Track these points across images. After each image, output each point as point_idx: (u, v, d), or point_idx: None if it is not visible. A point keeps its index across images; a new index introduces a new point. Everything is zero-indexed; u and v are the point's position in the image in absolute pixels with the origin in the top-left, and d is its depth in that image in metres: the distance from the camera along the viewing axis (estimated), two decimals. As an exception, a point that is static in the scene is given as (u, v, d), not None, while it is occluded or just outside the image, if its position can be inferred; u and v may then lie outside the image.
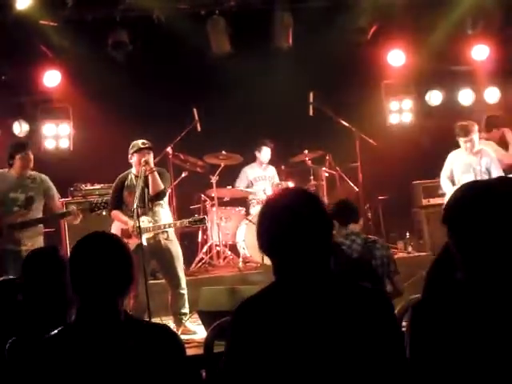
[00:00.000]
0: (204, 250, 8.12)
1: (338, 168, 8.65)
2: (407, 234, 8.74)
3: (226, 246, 8.18)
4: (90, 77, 8.00)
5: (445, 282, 2.07)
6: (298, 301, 2.05)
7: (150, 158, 6.20)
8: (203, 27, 8.06)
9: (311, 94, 8.29)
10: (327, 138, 8.57)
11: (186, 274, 6.55)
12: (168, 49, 8.20)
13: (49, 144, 8.60)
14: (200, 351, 4.57)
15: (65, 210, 6.71)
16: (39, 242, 6.28)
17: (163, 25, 7.93)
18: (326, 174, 8.64)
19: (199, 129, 8.21)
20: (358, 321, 2.03)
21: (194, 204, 8.53)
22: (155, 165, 6.31)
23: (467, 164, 7.18)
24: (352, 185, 8.50)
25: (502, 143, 7.74)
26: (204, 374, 3.66)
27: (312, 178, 8.64)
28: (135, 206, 5.81)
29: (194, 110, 8.20)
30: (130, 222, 6.02)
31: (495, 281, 1.98)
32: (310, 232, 2.08)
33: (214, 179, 8.17)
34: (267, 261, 8.34)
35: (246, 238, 7.97)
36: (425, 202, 8.54)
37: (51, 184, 6.48)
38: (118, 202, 6.27)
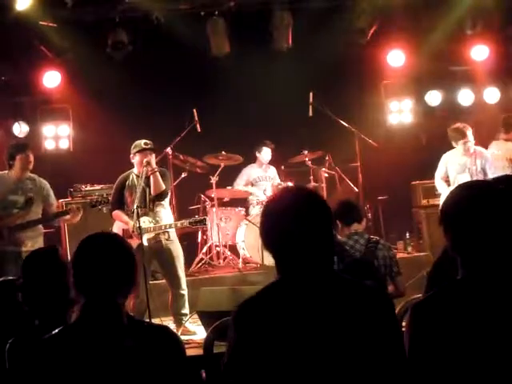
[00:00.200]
0: (204, 250, 8.12)
1: (337, 168, 8.64)
2: (407, 234, 8.74)
3: (225, 246, 8.18)
4: (89, 77, 8.00)
5: (444, 283, 2.07)
6: (299, 299, 2.06)
7: (152, 158, 6.19)
8: (203, 28, 8.06)
9: (311, 94, 8.30)
10: (327, 139, 8.56)
11: (186, 275, 6.55)
12: (168, 49, 8.20)
13: (49, 145, 8.60)
14: (200, 352, 4.59)
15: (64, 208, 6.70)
16: (39, 242, 6.28)
17: (163, 25, 7.93)
18: (326, 175, 8.63)
19: (199, 129, 8.22)
20: (359, 319, 2.03)
21: (194, 204, 8.52)
22: (156, 165, 6.31)
23: (462, 164, 7.25)
24: (352, 185, 8.50)
25: None
26: (204, 374, 3.67)
27: (312, 178, 8.64)
28: (135, 207, 5.82)
29: (194, 111, 8.20)
30: (131, 223, 6.01)
31: (494, 280, 1.98)
32: (313, 230, 2.08)
33: (213, 180, 8.17)
34: (267, 261, 8.35)
35: (246, 239, 7.96)
36: (424, 202, 8.55)
37: (50, 191, 6.46)
38: (120, 202, 6.26)
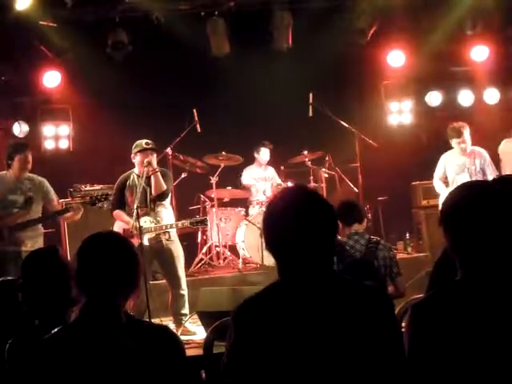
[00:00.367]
0: (204, 250, 8.12)
1: (337, 169, 8.65)
2: (407, 234, 8.75)
3: (225, 246, 8.18)
4: (89, 77, 8.00)
5: (444, 283, 2.07)
6: (299, 299, 2.06)
7: (153, 158, 6.18)
8: (203, 28, 8.06)
9: (311, 95, 8.30)
10: (327, 139, 8.56)
11: (186, 275, 6.55)
12: (168, 49, 8.20)
13: (48, 145, 8.61)
14: (200, 352, 4.58)
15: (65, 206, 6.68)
16: (39, 242, 6.27)
17: (163, 25, 7.93)
18: (326, 175, 8.64)
19: (199, 129, 8.22)
20: (359, 320, 2.03)
21: (194, 205, 8.52)
22: (157, 165, 6.30)
23: (461, 165, 7.25)
24: (352, 185, 8.50)
25: None
26: (204, 374, 3.66)
27: (311, 178, 8.64)
28: (135, 207, 5.81)
29: (194, 111, 8.20)
30: (132, 222, 6.01)
31: (493, 280, 1.98)
32: (314, 230, 2.08)
33: (213, 180, 8.18)
34: (267, 261, 8.35)
35: (246, 239, 7.97)
36: (424, 202, 8.55)
37: (49, 187, 6.45)
38: (120, 201, 6.25)
